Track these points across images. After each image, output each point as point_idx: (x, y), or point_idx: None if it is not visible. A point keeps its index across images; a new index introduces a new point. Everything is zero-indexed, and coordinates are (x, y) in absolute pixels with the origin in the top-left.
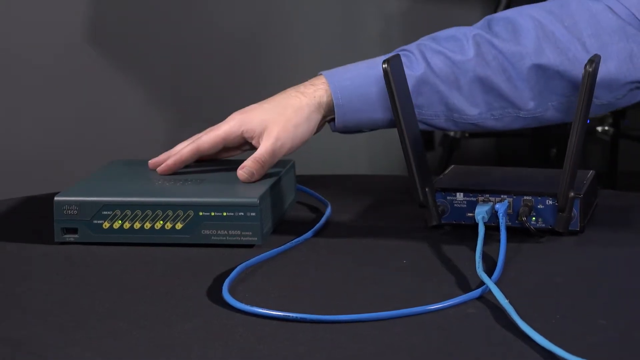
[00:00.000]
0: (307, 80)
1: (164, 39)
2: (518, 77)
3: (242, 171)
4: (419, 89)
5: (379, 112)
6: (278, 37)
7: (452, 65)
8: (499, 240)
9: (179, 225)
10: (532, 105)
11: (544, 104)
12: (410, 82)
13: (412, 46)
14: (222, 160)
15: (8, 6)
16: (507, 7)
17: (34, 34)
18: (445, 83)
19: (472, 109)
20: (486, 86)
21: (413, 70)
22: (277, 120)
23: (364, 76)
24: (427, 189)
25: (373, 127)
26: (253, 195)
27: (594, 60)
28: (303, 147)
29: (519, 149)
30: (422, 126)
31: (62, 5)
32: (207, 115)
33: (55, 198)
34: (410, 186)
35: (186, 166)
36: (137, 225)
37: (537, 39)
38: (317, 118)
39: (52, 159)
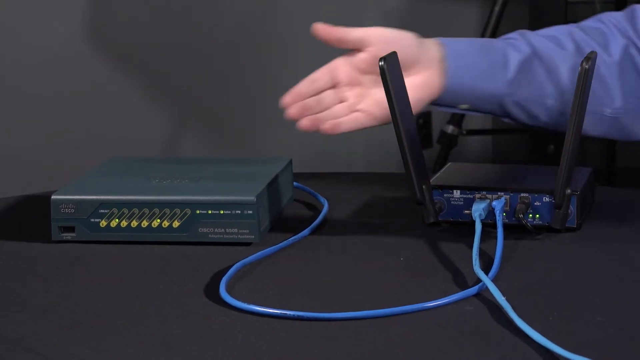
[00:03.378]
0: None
1: (164, 37)
2: (609, 75)
3: None
4: (524, 68)
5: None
6: (277, 34)
7: (553, 54)
8: (495, 238)
9: (176, 224)
10: (619, 103)
11: (625, 105)
12: (516, 62)
13: (514, 34)
14: (220, 159)
15: (7, 5)
16: (505, 4)
17: (33, 33)
18: (547, 67)
19: (567, 96)
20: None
21: (519, 52)
22: None
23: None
24: (423, 186)
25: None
26: (250, 193)
27: (591, 58)
28: (300, 145)
29: (516, 146)
30: (517, 111)
31: (62, 4)
32: (207, 115)
33: (53, 196)
34: (407, 183)
35: (184, 165)
36: (134, 223)
37: (624, 48)
38: (427, 47)
39: (50, 158)
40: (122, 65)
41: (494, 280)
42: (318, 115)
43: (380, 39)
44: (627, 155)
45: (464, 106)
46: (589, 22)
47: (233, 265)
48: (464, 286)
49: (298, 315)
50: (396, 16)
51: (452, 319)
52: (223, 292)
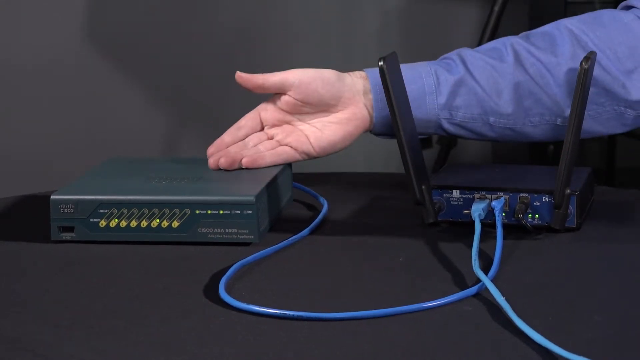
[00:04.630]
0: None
1: (164, 38)
2: (555, 83)
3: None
4: (457, 90)
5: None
6: (277, 34)
7: (491, 70)
8: (495, 238)
9: (175, 224)
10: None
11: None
12: (448, 84)
13: (452, 54)
14: None
15: (7, 4)
16: (504, 4)
17: (32, 32)
18: (483, 86)
19: (509, 112)
20: (525, 91)
21: (452, 74)
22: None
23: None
24: (423, 187)
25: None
26: (250, 193)
27: (590, 57)
28: None
29: (515, 146)
30: (460, 131)
31: (62, 4)
32: (207, 115)
33: (52, 196)
34: (407, 183)
35: (184, 165)
36: (133, 223)
37: (572, 47)
38: (350, 82)
39: (50, 158)
40: (122, 65)
41: (494, 280)
42: (240, 151)
43: (300, 81)
44: (627, 155)
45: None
46: (543, 28)
47: (232, 265)
48: (463, 286)
49: (298, 315)
50: (396, 16)
51: (452, 319)
52: (222, 292)
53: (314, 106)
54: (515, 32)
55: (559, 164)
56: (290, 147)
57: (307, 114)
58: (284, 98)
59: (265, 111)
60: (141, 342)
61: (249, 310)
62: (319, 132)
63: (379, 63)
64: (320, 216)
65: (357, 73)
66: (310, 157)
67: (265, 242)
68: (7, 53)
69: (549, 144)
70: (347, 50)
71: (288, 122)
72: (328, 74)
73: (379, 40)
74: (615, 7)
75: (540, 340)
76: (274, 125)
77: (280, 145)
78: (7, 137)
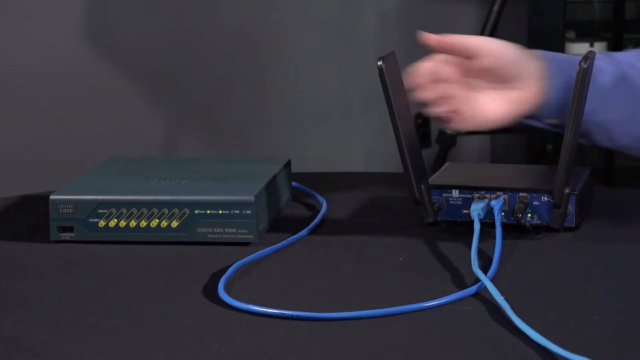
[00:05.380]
0: (304, 76)
1: (163, 38)
2: None
3: None
4: (617, 85)
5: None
6: (276, 34)
7: None
8: (494, 237)
9: (174, 224)
10: None
11: None
12: (608, 78)
13: (601, 53)
14: (218, 159)
15: (7, 5)
16: (504, 3)
17: (31, 32)
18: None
19: None
20: None
21: (609, 71)
22: None
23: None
24: (422, 186)
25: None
26: (249, 193)
27: (589, 57)
28: (299, 145)
29: (514, 146)
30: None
31: (62, 4)
32: (207, 115)
33: (51, 196)
34: (406, 183)
35: (183, 165)
36: (132, 223)
37: None
38: (533, 64)
39: (50, 158)
40: (122, 65)
41: (493, 280)
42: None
43: (498, 52)
44: (626, 155)
45: (553, 121)
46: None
47: (232, 265)
48: (462, 286)
49: (297, 315)
50: (395, 16)
51: (451, 318)
52: (222, 292)
53: (498, 77)
54: (515, 32)
55: (557, 163)
56: (463, 117)
57: (486, 83)
58: (475, 62)
59: (449, 66)
60: (141, 342)
61: (248, 310)
62: (491, 106)
63: (378, 63)
64: (319, 216)
65: (530, 54)
66: (472, 130)
67: (264, 242)
68: (7, 53)
69: (547, 144)
70: (347, 50)
71: (464, 84)
72: (515, 51)
73: (378, 40)
74: (614, 8)
75: (540, 339)
76: (448, 82)
77: (455, 112)
78: (7, 137)
